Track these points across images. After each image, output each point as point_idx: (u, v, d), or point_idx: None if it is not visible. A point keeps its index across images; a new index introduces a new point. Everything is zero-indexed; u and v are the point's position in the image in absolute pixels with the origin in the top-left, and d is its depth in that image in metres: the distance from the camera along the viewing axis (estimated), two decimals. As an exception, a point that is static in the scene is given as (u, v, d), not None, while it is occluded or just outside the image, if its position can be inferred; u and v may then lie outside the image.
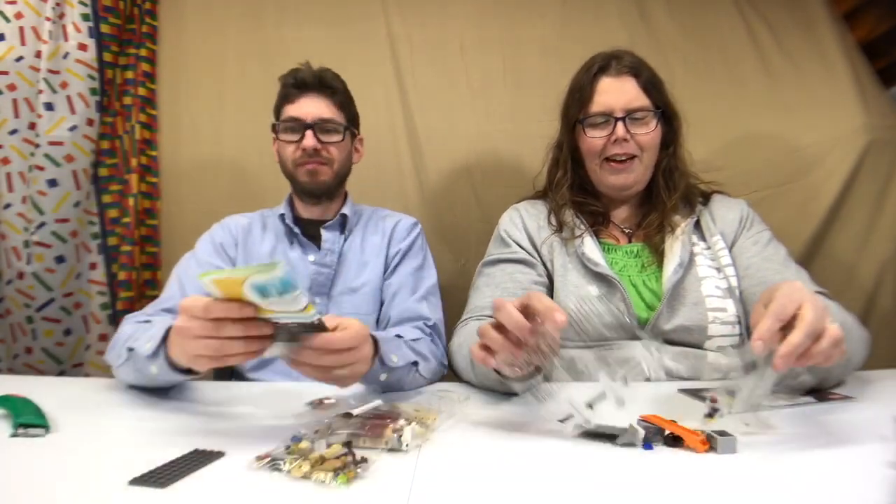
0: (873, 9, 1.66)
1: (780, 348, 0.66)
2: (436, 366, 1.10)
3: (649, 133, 1.13)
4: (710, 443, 0.67)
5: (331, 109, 1.26)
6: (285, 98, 1.27)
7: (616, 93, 1.12)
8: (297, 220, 1.31)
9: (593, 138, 1.14)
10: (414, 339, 1.08)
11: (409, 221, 1.36)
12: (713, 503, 0.57)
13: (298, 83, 1.25)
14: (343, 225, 1.30)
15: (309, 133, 1.23)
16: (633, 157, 1.13)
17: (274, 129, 1.28)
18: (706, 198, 1.22)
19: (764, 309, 0.71)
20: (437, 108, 1.71)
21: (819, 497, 0.58)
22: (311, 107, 1.25)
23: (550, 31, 1.73)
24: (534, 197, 1.29)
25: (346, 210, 1.31)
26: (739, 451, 0.67)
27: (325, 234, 1.27)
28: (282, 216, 1.30)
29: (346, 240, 1.29)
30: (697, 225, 1.17)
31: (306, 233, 1.29)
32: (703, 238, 1.15)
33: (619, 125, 1.11)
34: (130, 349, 0.91)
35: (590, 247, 1.13)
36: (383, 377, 0.93)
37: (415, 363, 1.00)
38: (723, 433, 0.68)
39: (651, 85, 1.14)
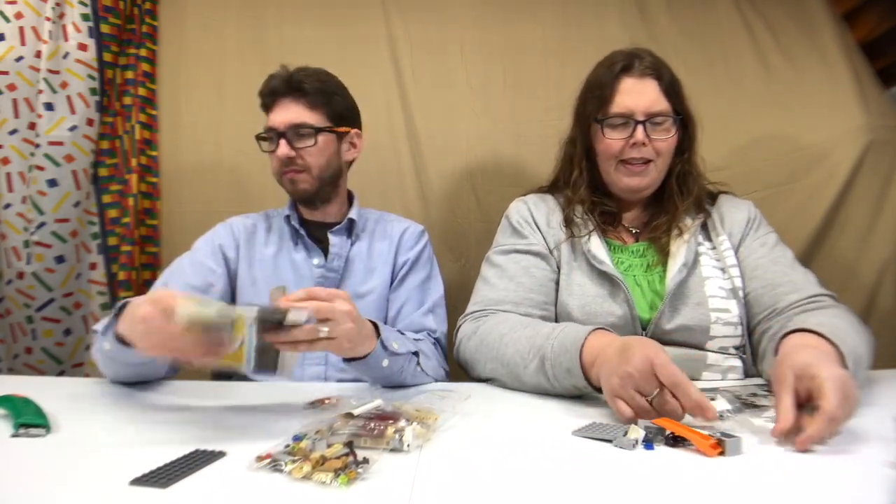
0: (873, 9, 1.66)
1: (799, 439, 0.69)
2: (437, 367, 1.10)
3: (668, 139, 1.10)
4: (721, 446, 0.67)
5: (303, 112, 1.21)
6: (265, 107, 1.25)
7: (638, 95, 1.08)
8: (303, 222, 1.30)
9: (611, 140, 1.10)
10: (416, 339, 1.09)
11: (417, 229, 1.34)
12: (713, 503, 0.57)
13: (271, 90, 1.23)
14: (350, 229, 1.29)
15: (282, 142, 1.19)
16: (648, 161, 1.10)
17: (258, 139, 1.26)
18: (713, 198, 1.21)
19: (788, 371, 0.74)
20: (437, 108, 1.71)
21: (819, 497, 0.58)
22: (284, 113, 1.21)
23: (550, 33, 1.73)
24: (540, 191, 1.28)
25: (353, 214, 1.29)
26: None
27: (333, 239, 1.26)
28: (287, 218, 1.28)
29: (353, 244, 1.28)
30: (703, 225, 1.16)
31: (311, 235, 1.27)
32: (708, 238, 1.15)
33: (640, 129, 1.07)
34: (94, 330, 0.94)
35: (596, 245, 1.12)
36: (385, 362, 0.95)
37: (416, 353, 1.02)
38: (728, 435, 0.68)
39: (672, 89, 1.11)
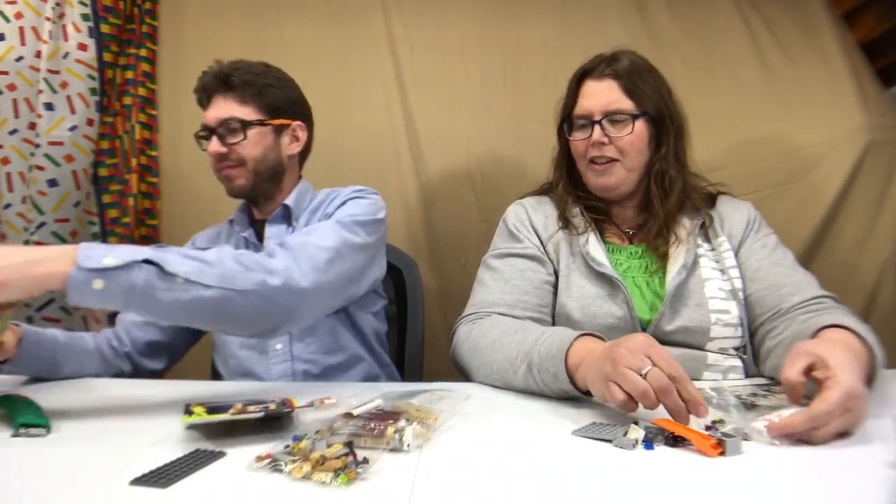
0: (873, 9, 1.66)
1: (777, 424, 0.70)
2: (248, 274, 0.87)
3: (627, 136, 1.11)
4: (721, 446, 0.67)
5: (232, 107, 1.18)
6: (201, 105, 1.22)
7: (594, 96, 1.12)
8: (254, 222, 1.29)
9: (576, 141, 1.16)
10: (207, 252, 0.87)
11: (351, 188, 1.22)
12: (713, 503, 0.57)
13: (203, 87, 1.20)
14: (288, 217, 1.25)
15: (213, 139, 1.17)
16: (613, 160, 1.12)
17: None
18: (712, 199, 1.21)
19: (802, 360, 0.75)
20: (437, 108, 1.71)
21: (819, 497, 0.58)
22: (215, 110, 1.19)
23: (550, 32, 1.73)
24: (538, 192, 1.29)
25: (288, 201, 1.24)
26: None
27: (269, 231, 1.23)
28: (230, 222, 1.28)
29: (294, 231, 1.23)
30: (702, 226, 1.16)
31: (260, 234, 1.26)
32: (707, 239, 1.15)
33: (596, 128, 1.11)
34: None
35: (594, 246, 1.13)
36: (99, 284, 0.76)
37: (149, 262, 0.79)
38: (728, 435, 0.68)
39: (636, 87, 1.11)
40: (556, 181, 1.24)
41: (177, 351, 1.25)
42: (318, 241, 1.01)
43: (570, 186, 1.21)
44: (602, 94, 1.12)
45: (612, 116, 1.11)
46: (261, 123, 1.19)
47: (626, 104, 1.11)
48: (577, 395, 0.88)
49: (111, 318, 1.65)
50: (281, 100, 1.23)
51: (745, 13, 1.69)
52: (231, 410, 0.74)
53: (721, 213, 1.18)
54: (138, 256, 0.79)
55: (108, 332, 1.20)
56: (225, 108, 1.18)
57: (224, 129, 1.17)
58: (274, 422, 0.77)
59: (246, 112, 1.18)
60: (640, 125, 1.11)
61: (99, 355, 1.13)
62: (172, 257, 0.82)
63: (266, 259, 0.92)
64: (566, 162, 1.22)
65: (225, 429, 0.74)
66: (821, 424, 0.68)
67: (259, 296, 0.87)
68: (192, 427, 0.75)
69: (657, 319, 1.06)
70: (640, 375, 0.72)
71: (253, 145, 1.19)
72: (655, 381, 0.72)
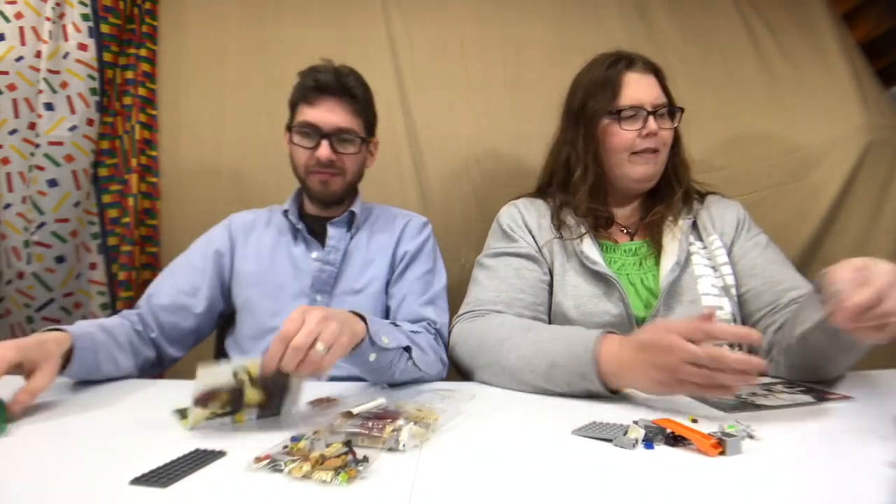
0: (873, 9, 1.66)
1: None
2: (435, 361, 1.08)
3: (671, 129, 1.15)
4: (721, 446, 0.67)
5: (349, 118, 1.20)
6: (303, 98, 1.20)
7: (645, 88, 1.14)
8: (304, 216, 1.29)
9: (626, 131, 1.13)
10: (413, 332, 1.07)
11: (419, 221, 1.33)
12: (713, 503, 0.57)
13: (320, 85, 1.18)
14: (350, 222, 1.28)
15: (325, 143, 1.17)
16: (656, 150, 1.14)
17: (288, 128, 1.23)
18: (702, 197, 1.24)
19: (851, 273, 0.75)
20: (437, 108, 1.71)
21: (819, 497, 0.58)
22: (330, 114, 1.18)
23: (550, 32, 1.73)
24: (531, 195, 1.29)
25: (354, 208, 1.28)
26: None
27: (332, 231, 1.25)
28: (285, 212, 1.28)
29: (352, 238, 1.27)
30: (694, 224, 1.18)
31: (311, 229, 1.27)
32: (699, 237, 1.16)
33: (651, 119, 1.12)
34: None
35: (588, 246, 1.13)
36: (372, 357, 0.92)
37: (407, 349, 0.99)
38: (728, 434, 0.68)
39: (664, 84, 1.18)
40: (574, 183, 1.18)
41: (199, 337, 1.26)
42: (445, 319, 1.21)
43: (587, 193, 1.17)
44: (651, 87, 1.15)
45: (660, 110, 1.14)
46: (365, 139, 1.25)
47: (665, 98, 1.16)
48: (600, 394, 0.88)
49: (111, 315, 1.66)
50: (373, 117, 1.29)
51: (745, 14, 1.69)
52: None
53: (711, 211, 1.20)
54: (403, 343, 0.98)
55: (130, 315, 1.17)
56: (344, 116, 1.20)
57: (338, 137, 1.19)
58: (277, 388, 0.80)
59: (358, 125, 1.22)
60: (676, 119, 1.16)
61: (131, 350, 1.10)
62: (416, 349, 1.01)
63: (441, 349, 1.13)
64: (593, 159, 1.17)
65: (234, 400, 0.78)
66: (884, 295, 0.70)
67: (432, 376, 1.07)
68: (198, 420, 0.77)
69: (652, 317, 1.07)
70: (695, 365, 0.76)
71: (357, 159, 1.25)
72: (719, 360, 0.75)
